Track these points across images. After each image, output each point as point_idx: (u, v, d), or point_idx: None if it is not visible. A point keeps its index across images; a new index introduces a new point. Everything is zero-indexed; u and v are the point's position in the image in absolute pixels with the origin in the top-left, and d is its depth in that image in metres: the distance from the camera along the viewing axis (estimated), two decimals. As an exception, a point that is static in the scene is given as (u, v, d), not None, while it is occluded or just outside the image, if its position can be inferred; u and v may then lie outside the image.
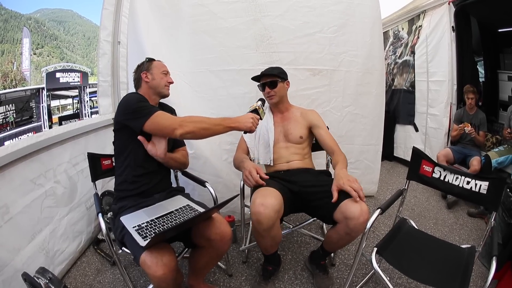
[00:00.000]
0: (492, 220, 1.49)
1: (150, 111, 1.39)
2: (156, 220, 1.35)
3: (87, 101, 12.38)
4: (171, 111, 1.73)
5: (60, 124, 10.05)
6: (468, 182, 1.58)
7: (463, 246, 1.60)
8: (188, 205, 1.51)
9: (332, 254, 1.91)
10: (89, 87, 12.44)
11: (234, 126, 1.45)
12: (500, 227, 1.95)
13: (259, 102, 1.61)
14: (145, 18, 2.24)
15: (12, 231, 1.52)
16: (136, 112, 1.39)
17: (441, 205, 2.93)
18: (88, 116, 11.76)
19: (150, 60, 1.65)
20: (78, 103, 12.49)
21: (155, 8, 2.26)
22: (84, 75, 12.13)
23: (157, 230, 1.27)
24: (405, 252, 1.51)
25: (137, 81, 1.64)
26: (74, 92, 12.63)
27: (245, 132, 1.53)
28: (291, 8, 2.32)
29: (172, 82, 1.67)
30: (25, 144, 1.63)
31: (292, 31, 2.32)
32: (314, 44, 2.37)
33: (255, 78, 1.89)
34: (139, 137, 1.45)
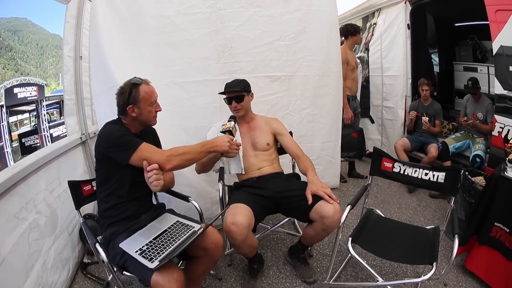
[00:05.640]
0: (452, 203, 1.69)
1: (135, 144, 1.40)
2: (154, 241, 1.39)
3: (45, 114, 11.68)
4: (153, 132, 1.74)
5: (20, 141, 9.46)
6: (426, 174, 1.78)
7: (428, 227, 1.79)
8: (178, 221, 1.57)
9: (309, 247, 2.06)
10: (45, 100, 11.78)
11: (213, 149, 1.54)
12: (463, 206, 2.18)
13: (232, 123, 1.68)
14: (106, 30, 2.19)
15: (7, 273, 1.44)
16: (121, 146, 1.40)
17: (403, 190, 3.15)
18: (47, 131, 11.08)
19: (136, 86, 1.47)
20: (35, 117, 11.78)
21: (116, 20, 2.21)
22: (41, 88, 11.42)
23: (159, 251, 1.32)
24: (376, 238, 1.69)
25: (122, 110, 1.51)
26: (31, 106, 11.91)
27: (222, 154, 1.62)
28: (251, 18, 2.36)
29: (160, 110, 1.58)
30: (3, 179, 1.51)
31: (252, 40, 2.38)
32: (273, 52, 2.45)
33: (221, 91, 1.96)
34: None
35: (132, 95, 1.46)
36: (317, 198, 1.61)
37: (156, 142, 1.73)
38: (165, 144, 1.77)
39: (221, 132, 1.66)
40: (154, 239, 1.41)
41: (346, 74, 3.16)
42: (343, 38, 3.33)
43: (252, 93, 2.00)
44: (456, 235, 1.44)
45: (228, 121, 1.74)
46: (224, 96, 1.95)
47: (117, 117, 1.57)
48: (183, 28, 2.26)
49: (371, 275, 1.60)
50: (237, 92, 1.90)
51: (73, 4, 2.39)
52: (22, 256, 1.59)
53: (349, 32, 3.25)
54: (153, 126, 1.67)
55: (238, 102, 1.90)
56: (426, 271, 1.44)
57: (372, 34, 3.98)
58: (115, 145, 1.41)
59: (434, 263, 1.41)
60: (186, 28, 2.26)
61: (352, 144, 3.20)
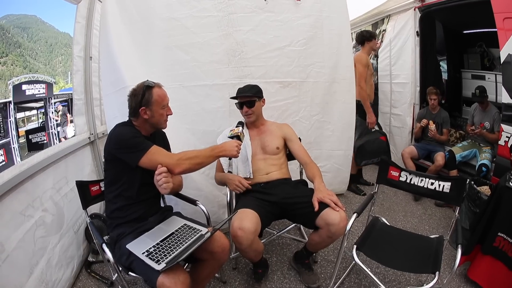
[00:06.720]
0: (456, 213, 1.71)
1: (145, 147, 1.42)
2: (161, 243, 1.41)
3: (52, 112, 11.78)
4: (163, 136, 1.75)
5: (28, 138, 9.58)
6: (432, 183, 1.79)
7: (432, 236, 1.80)
8: (185, 224, 1.59)
9: (314, 253, 2.07)
10: (53, 98, 11.87)
11: (222, 154, 1.56)
12: (468, 216, 2.18)
13: (240, 128, 1.69)
14: (116, 31, 2.20)
15: (11, 269, 1.46)
16: (131, 148, 1.41)
17: (408, 198, 3.13)
18: (54, 128, 11.20)
19: (149, 88, 1.49)
20: (43, 115, 11.88)
21: (126, 21, 2.21)
22: (49, 86, 11.54)
23: (166, 253, 1.34)
24: (380, 246, 1.70)
25: (134, 112, 1.52)
26: (39, 103, 12.02)
27: (229, 158, 1.65)
28: (262, 22, 2.36)
29: (171, 114, 1.60)
30: (9, 176, 1.53)
31: (263, 45, 2.38)
32: (284, 58, 2.45)
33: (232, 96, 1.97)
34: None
35: (145, 97, 1.48)
36: (323, 205, 1.62)
37: (166, 146, 1.74)
38: (173, 147, 1.78)
39: (228, 137, 1.67)
40: (161, 241, 1.42)
41: (367, 79, 3.16)
42: (359, 45, 3.34)
43: (264, 99, 2.01)
44: (459, 245, 1.45)
45: (236, 126, 1.75)
46: (236, 101, 1.97)
47: (127, 118, 1.59)
48: (193, 31, 2.26)
49: (375, 282, 1.61)
50: (248, 97, 1.92)
51: (84, 5, 2.40)
52: (27, 252, 1.61)
53: (365, 37, 3.24)
54: None
55: (249, 107, 1.92)
56: (429, 280, 1.46)
57: (382, 41, 3.95)
58: (126, 146, 1.43)
59: (437, 272, 1.42)
60: (196, 31, 2.27)
61: (383, 148, 3.13)
